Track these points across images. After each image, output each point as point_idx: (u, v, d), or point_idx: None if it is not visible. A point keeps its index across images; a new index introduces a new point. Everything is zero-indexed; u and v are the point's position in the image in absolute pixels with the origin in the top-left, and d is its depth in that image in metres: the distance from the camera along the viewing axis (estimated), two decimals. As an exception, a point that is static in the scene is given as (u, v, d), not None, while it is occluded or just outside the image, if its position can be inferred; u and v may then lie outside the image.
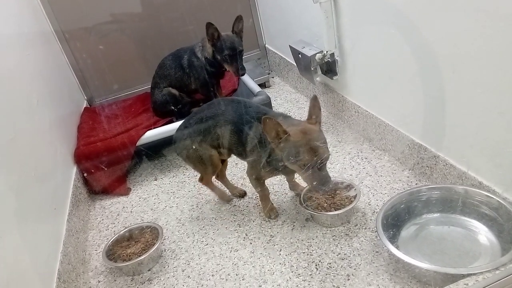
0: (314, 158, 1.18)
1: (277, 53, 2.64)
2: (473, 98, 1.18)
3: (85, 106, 2.49)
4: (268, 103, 2.02)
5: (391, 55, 1.49)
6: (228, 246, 1.46)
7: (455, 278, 1.02)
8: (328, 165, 1.25)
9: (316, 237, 1.40)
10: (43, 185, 1.48)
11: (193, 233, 1.57)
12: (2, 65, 1.49)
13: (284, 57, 2.53)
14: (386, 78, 1.57)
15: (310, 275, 1.27)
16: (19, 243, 1.19)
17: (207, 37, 1.94)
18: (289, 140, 1.19)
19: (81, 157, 1.90)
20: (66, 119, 2.07)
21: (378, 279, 1.20)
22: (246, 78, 2.30)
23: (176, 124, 1.88)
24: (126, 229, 1.56)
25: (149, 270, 1.44)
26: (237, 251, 1.43)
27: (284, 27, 2.39)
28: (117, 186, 1.94)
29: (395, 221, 1.30)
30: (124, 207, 1.83)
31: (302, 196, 1.49)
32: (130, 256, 1.44)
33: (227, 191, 1.73)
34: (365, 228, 1.39)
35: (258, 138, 1.35)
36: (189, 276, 1.38)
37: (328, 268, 1.27)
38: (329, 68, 1.91)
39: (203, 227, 1.59)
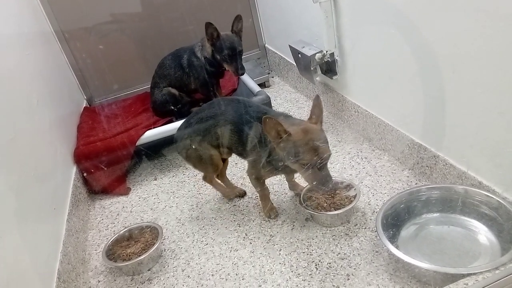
0: (316, 157, 1.18)
1: (277, 53, 2.64)
2: (473, 98, 1.18)
3: (84, 105, 2.49)
4: (268, 103, 2.02)
5: (391, 55, 1.49)
6: (228, 245, 1.46)
7: (455, 278, 1.02)
8: (328, 164, 1.25)
9: (316, 237, 1.40)
10: (43, 185, 1.48)
11: (193, 233, 1.57)
12: (2, 65, 1.49)
13: (284, 57, 2.53)
14: (386, 78, 1.57)
15: (310, 274, 1.27)
16: (19, 243, 1.19)
17: (207, 37, 1.94)
18: (290, 139, 1.19)
19: (80, 157, 1.90)
20: (66, 119, 2.07)
21: (378, 278, 1.20)
22: (246, 78, 2.30)
23: (176, 124, 1.88)
24: (126, 229, 1.56)
25: (149, 270, 1.44)
26: (237, 250, 1.43)
27: (284, 27, 2.39)
28: (116, 186, 1.94)
29: (395, 220, 1.30)
30: (123, 207, 1.83)
31: (302, 196, 1.49)
32: (130, 256, 1.44)
33: (221, 191, 1.73)
34: (365, 228, 1.39)
35: (258, 138, 1.35)
36: (189, 276, 1.38)
37: (328, 268, 1.27)
38: (329, 68, 1.91)
39: (203, 226, 1.59)
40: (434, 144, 1.43)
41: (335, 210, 1.40)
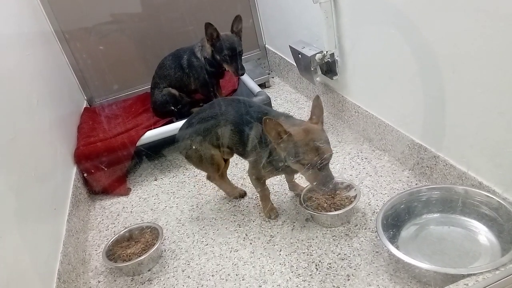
0: (318, 156, 1.18)
1: (277, 53, 2.64)
2: (473, 98, 1.18)
3: (85, 106, 2.49)
4: (268, 103, 2.02)
5: (391, 55, 1.49)
6: (228, 246, 1.46)
7: (455, 278, 1.02)
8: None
9: (316, 237, 1.40)
10: (43, 185, 1.48)
11: (193, 233, 1.57)
12: (2, 65, 1.49)
13: (284, 57, 2.53)
14: (386, 78, 1.57)
15: (310, 275, 1.27)
16: (19, 243, 1.19)
17: (206, 37, 1.94)
18: (292, 139, 1.19)
19: (81, 157, 1.90)
20: (66, 119, 2.07)
21: (378, 279, 1.20)
22: (246, 78, 2.30)
23: (176, 124, 1.89)
24: (126, 229, 1.56)
25: (149, 270, 1.44)
26: (237, 251, 1.43)
27: (284, 27, 2.39)
28: (117, 186, 1.94)
29: (395, 221, 1.30)
30: (124, 207, 1.83)
31: (302, 196, 1.49)
32: (130, 256, 1.44)
33: (225, 190, 1.73)
34: (365, 228, 1.39)
35: (259, 138, 1.35)
36: (189, 276, 1.38)
37: (328, 268, 1.27)
38: (329, 68, 1.91)
39: (203, 227, 1.59)
40: (434, 145, 1.43)
41: (336, 210, 1.40)
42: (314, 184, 1.26)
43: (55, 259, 1.34)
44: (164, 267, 1.44)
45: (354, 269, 1.25)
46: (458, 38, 1.16)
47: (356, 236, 1.37)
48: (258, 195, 1.58)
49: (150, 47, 2.52)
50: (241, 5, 2.61)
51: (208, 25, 1.88)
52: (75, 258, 1.48)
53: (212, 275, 1.36)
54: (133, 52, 2.55)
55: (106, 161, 1.89)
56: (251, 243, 1.45)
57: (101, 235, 1.68)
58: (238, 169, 1.88)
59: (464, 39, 1.14)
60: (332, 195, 1.46)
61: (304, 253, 1.35)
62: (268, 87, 2.65)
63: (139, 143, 1.95)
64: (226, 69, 2.02)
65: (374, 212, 1.45)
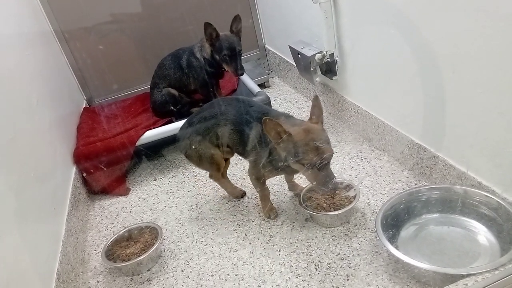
0: (319, 156, 1.18)
1: (277, 53, 2.64)
2: (473, 98, 1.18)
3: (84, 106, 2.49)
4: (267, 103, 2.02)
5: (391, 55, 1.49)
6: (228, 246, 1.46)
7: (454, 278, 1.02)
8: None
9: (316, 237, 1.40)
10: (42, 185, 1.48)
11: (192, 233, 1.57)
12: (2, 65, 1.49)
13: (284, 57, 2.53)
14: (386, 78, 1.57)
15: (309, 275, 1.27)
16: (19, 243, 1.19)
17: (206, 37, 1.93)
18: (292, 139, 1.19)
19: (80, 157, 1.90)
20: (66, 119, 2.07)
21: (378, 279, 1.20)
22: (245, 78, 2.30)
23: (176, 124, 1.89)
24: (125, 229, 1.56)
25: (148, 270, 1.44)
26: (236, 251, 1.43)
27: (284, 27, 2.39)
28: (116, 186, 1.94)
29: (394, 221, 1.30)
30: (123, 207, 1.83)
31: (301, 196, 1.49)
32: (129, 256, 1.44)
33: (227, 190, 1.73)
34: (365, 229, 1.39)
35: (259, 138, 1.35)
36: (188, 276, 1.38)
37: (327, 268, 1.27)
38: (329, 68, 1.91)
39: (203, 227, 1.59)
40: (433, 145, 1.43)
41: (335, 210, 1.40)
42: (315, 183, 1.26)
43: (55, 259, 1.34)
44: (163, 267, 1.44)
45: (354, 269, 1.25)
46: (458, 38, 1.16)
47: (356, 236, 1.37)
48: (258, 195, 1.57)
49: (150, 47, 2.52)
50: (241, 5, 2.62)
51: (208, 25, 1.88)
52: (74, 258, 1.48)
53: (212, 275, 1.36)
54: (132, 52, 2.55)
55: (105, 161, 1.89)
56: (250, 243, 1.45)
57: (100, 235, 1.68)
58: (237, 169, 1.88)
59: (464, 39, 1.14)
60: (332, 195, 1.46)
61: (303, 253, 1.35)
62: (268, 87, 2.65)
63: (138, 143, 1.95)
64: (226, 69, 2.02)
65: (373, 212, 1.45)
